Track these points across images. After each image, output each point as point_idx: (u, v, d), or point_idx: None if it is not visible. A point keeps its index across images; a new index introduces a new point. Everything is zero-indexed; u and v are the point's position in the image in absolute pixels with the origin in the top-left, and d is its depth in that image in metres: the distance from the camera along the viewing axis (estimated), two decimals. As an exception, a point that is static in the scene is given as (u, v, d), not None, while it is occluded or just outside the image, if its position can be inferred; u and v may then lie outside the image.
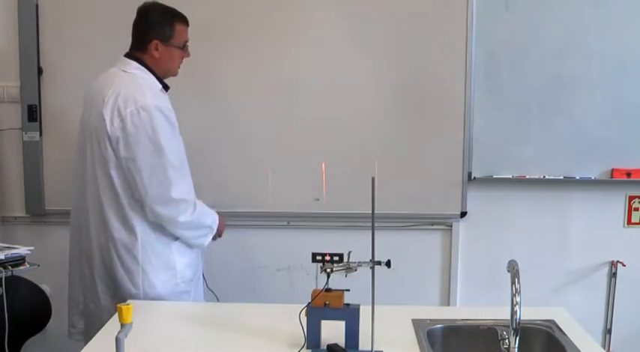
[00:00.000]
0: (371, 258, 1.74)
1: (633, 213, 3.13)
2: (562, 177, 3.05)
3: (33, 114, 3.00)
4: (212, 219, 2.44)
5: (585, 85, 2.97)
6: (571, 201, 3.12)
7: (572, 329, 1.98)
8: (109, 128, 2.23)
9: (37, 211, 3.08)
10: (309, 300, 1.80)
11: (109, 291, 2.34)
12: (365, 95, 2.99)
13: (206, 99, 2.97)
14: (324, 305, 1.78)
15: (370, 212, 1.70)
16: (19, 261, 2.40)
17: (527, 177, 3.05)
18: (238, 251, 2.82)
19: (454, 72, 2.95)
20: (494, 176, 3.05)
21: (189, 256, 2.41)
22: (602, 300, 3.19)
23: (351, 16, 2.95)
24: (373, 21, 2.95)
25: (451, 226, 3.13)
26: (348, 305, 1.80)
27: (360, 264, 1.79)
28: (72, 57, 2.98)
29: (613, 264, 3.16)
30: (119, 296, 2.31)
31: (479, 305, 3.05)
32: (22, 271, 2.42)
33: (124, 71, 2.31)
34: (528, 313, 1.87)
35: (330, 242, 2.96)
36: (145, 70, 2.33)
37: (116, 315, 1.63)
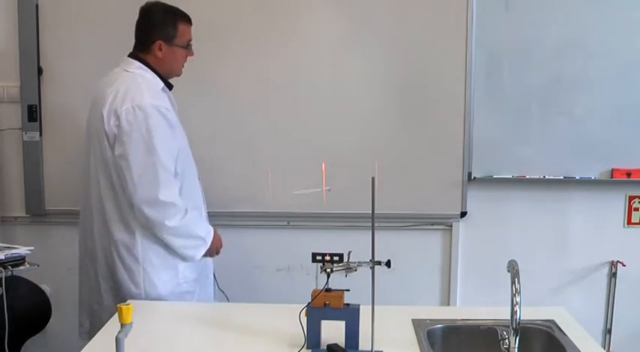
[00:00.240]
0: (371, 258, 1.74)
1: (633, 213, 3.13)
2: (562, 177, 3.05)
3: (33, 114, 3.00)
4: (206, 231, 2.37)
5: (585, 84, 2.97)
6: (571, 201, 3.12)
7: (572, 329, 1.98)
8: (106, 126, 2.24)
9: (37, 211, 3.08)
10: (309, 300, 1.80)
11: (111, 291, 2.35)
12: (365, 95, 2.99)
13: (206, 99, 2.97)
14: (324, 305, 1.78)
15: (370, 212, 1.70)
16: (19, 261, 2.40)
17: (527, 177, 3.05)
18: (238, 251, 2.81)
19: (454, 72, 2.95)
20: (494, 176, 3.05)
21: None
22: (602, 300, 3.19)
23: (351, 16, 2.95)
24: (373, 21, 2.95)
25: (451, 226, 3.13)
26: (348, 305, 1.80)
27: (360, 263, 1.79)
28: (72, 57, 2.98)
29: (613, 264, 3.16)
30: (121, 296, 2.31)
31: (479, 305, 3.04)
32: (22, 271, 2.43)
33: (126, 71, 2.31)
34: (528, 313, 1.87)
35: (330, 242, 2.96)
36: (148, 69, 2.33)
37: (116, 315, 1.63)
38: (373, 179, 1.68)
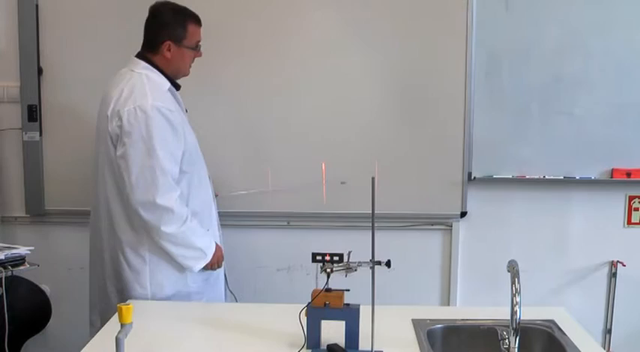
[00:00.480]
0: (371, 258, 1.74)
1: (633, 213, 3.13)
2: (562, 177, 3.05)
3: (33, 114, 3.00)
4: (206, 244, 2.33)
5: (585, 85, 2.97)
6: (571, 201, 3.12)
7: (572, 329, 1.98)
8: (110, 127, 2.23)
9: (37, 211, 3.08)
10: (309, 300, 1.80)
11: (117, 292, 2.35)
12: (365, 95, 2.99)
13: (206, 99, 2.97)
14: (324, 305, 1.79)
15: (370, 212, 1.70)
16: (19, 261, 2.40)
17: (527, 177, 3.05)
18: (238, 251, 2.81)
19: (454, 72, 2.95)
20: (494, 176, 3.05)
21: None
22: (602, 300, 3.19)
23: (351, 16, 2.95)
24: (373, 21, 2.95)
25: (451, 226, 3.13)
26: (348, 305, 1.81)
27: (360, 263, 1.79)
28: (72, 57, 2.98)
29: (613, 264, 3.16)
30: (127, 296, 2.30)
31: (479, 305, 3.05)
32: (22, 271, 2.43)
33: (132, 71, 2.30)
34: (528, 313, 1.87)
35: (330, 242, 2.97)
36: (154, 69, 2.31)
37: (116, 315, 1.63)
38: (373, 179, 1.68)
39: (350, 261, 1.79)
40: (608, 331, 3.20)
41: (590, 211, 3.13)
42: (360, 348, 1.80)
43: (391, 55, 2.97)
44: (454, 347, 2.00)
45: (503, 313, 1.84)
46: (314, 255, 1.78)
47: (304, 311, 1.81)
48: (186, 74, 2.41)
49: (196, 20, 2.37)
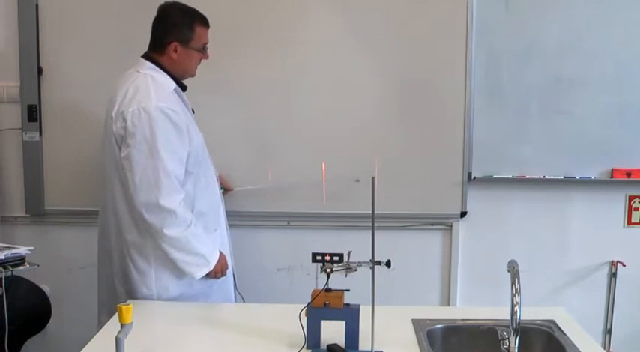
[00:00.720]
0: (371, 258, 1.74)
1: (633, 213, 3.13)
2: (562, 177, 3.05)
3: (33, 114, 3.00)
4: (209, 251, 2.30)
5: (585, 85, 2.97)
6: (571, 201, 3.12)
7: (572, 329, 1.98)
8: (114, 128, 2.23)
9: (37, 211, 3.08)
10: (309, 300, 1.80)
11: (125, 292, 2.34)
12: (365, 95, 2.99)
13: (211, 99, 2.96)
14: (324, 305, 1.79)
15: (370, 212, 1.70)
16: (19, 261, 2.40)
17: (527, 177, 3.05)
18: (238, 251, 2.81)
19: (454, 72, 2.95)
20: (494, 176, 3.05)
21: None
22: (602, 300, 3.19)
23: (351, 16, 2.95)
24: (374, 21, 2.95)
25: (451, 226, 3.13)
26: (348, 305, 1.81)
27: (360, 263, 1.79)
28: (72, 57, 2.98)
29: (613, 264, 3.16)
30: (134, 297, 2.30)
31: (479, 305, 3.05)
32: (22, 271, 2.43)
33: (138, 71, 2.29)
34: (528, 313, 1.87)
35: (330, 242, 2.98)
36: (159, 70, 2.31)
37: (116, 315, 1.63)
38: (373, 179, 1.68)
39: (350, 261, 1.79)
40: (608, 331, 3.19)
41: (590, 211, 3.12)
42: (360, 348, 1.80)
43: (391, 55, 2.96)
44: (454, 347, 2.00)
45: (503, 313, 1.84)
46: (314, 255, 1.78)
47: (304, 311, 1.81)
48: (192, 75, 2.41)
49: (204, 22, 2.35)
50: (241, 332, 1.97)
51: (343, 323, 1.80)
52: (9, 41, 2.99)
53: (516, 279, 1.67)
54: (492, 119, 3.00)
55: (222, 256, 2.37)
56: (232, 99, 2.99)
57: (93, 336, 1.94)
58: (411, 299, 3.07)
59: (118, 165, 2.25)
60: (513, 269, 1.70)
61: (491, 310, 2.08)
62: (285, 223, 3.11)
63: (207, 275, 2.32)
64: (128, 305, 1.60)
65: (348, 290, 1.81)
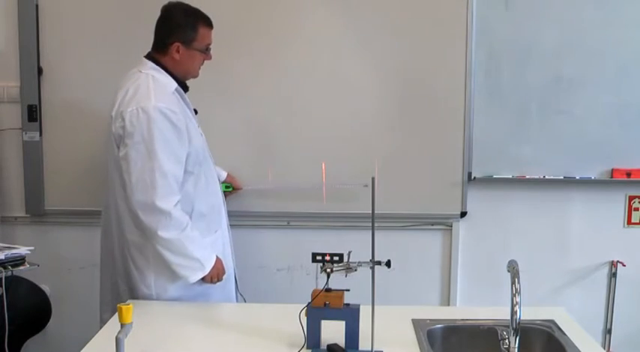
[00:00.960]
0: (371, 258, 1.74)
1: (633, 213, 3.13)
2: (562, 177, 3.05)
3: (33, 114, 3.00)
4: (205, 256, 2.27)
5: (585, 85, 2.97)
6: (571, 201, 3.12)
7: (572, 329, 1.98)
8: (114, 128, 2.23)
9: (37, 211, 3.08)
10: (309, 300, 1.80)
11: (128, 290, 2.35)
12: (365, 95, 2.99)
13: (207, 99, 2.96)
14: (324, 305, 1.79)
15: (370, 212, 1.70)
16: (19, 261, 2.40)
17: (527, 177, 3.05)
18: (238, 251, 2.81)
19: (454, 72, 2.95)
20: (494, 176, 3.05)
21: None
22: (602, 300, 3.19)
23: (352, 16, 2.95)
24: (374, 21, 2.95)
25: (451, 226, 3.13)
26: (348, 305, 1.81)
27: (360, 263, 1.79)
28: (72, 57, 2.98)
29: (613, 264, 3.16)
30: (135, 296, 2.30)
31: (479, 305, 3.05)
32: (22, 271, 2.43)
33: (140, 71, 2.29)
34: (528, 313, 1.87)
35: (330, 242, 2.98)
36: (161, 70, 2.30)
37: (116, 315, 1.63)
38: (373, 179, 1.68)
39: (350, 261, 1.79)
40: (608, 331, 3.19)
41: (590, 211, 3.12)
42: (360, 348, 1.80)
43: (391, 54, 2.96)
44: (454, 347, 2.00)
45: (503, 313, 1.84)
46: (314, 255, 1.78)
47: (304, 311, 1.81)
48: (195, 76, 2.40)
49: (208, 23, 2.34)
50: (241, 332, 1.97)
51: (343, 323, 1.80)
52: (9, 41, 2.99)
53: (516, 279, 1.67)
54: (492, 119, 3.00)
55: (218, 261, 2.34)
56: (233, 99, 2.99)
57: (93, 336, 1.94)
58: (411, 299, 3.07)
59: (118, 165, 2.25)
60: (513, 269, 1.70)
61: (491, 310, 2.08)
62: (285, 223, 3.11)
63: (203, 280, 2.29)
64: (128, 305, 1.60)
65: (348, 290, 1.81)
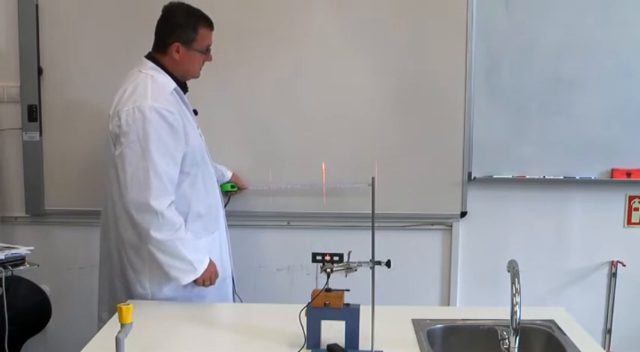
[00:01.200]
0: (371, 258, 1.74)
1: (633, 213, 3.13)
2: (562, 177, 3.05)
3: (33, 114, 3.00)
4: (197, 259, 2.25)
5: (585, 85, 2.97)
6: (571, 201, 3.12)
7: (572, 329, 1.98)
8: (110, 127, 2.24)
9: (37, 211, 3.08)
10: (309, 300, 1.80)
11: (125, 289, 2.35)
12: (365, 95, 2.99)
13: (206, 100, 2.96)
14: (324, 305, 1.79)
15: (370, 212, 1.70)
16: (19, 261, 2.40)
17: (527, 177, 3.05)
18: (238, 251, 2.81)
19: (454, 72, 2.95)
20: (494, 176, 3.05)
21: None
22: (602, 300, 3.19)
23: (352, 16, 2.95)
24: (374, 22, 2.95)
25: (451, 226, 3.13)
26: (348, 305, 1.81)
27: (360, 263, 1.79)
28: (72, 57, 2.98)
29: (613, 264, 3.16)
30: (131, 295, 2.31)
31: (479, 305, 3.05)
32: (22, 271, 2.43)
33: (140, 71, 2.29)
34: (528, 313, 1.87)
35: (330, 242, 2.97)
36: (160, 70, 2.30)
37: (116, 315, 1.63)
38: (373, 179, 1.68)
39: (350, 261, 1.79)
40: (608, 331, 3.19)
41: (590, 211, 3.12)
42: (360, 348, 1.80)
43: (392, 55, 2.96)
44: (454, 347, 2.00)
45: (503, 313, 1.84)
46: (314, 255, 1.78)
47: (304, 311, 1.81)
48: (195, 77, 2.40)
49: (208, 23, 2.34)
50: (241, 332, 1.97)
51: (343, 323, 1.80)
52: (9, 41, 2.99)
53: (516, 279, 1.67)
54: (492, 119, 3.00)
55: (211, 265, 2.32)
56: (233, 100, 2.99)
57: (93, 336, 1.94)
58: (411, 299, 3.07)
59: (115, 165, 2.25)
60: (513, 269, 1.70)
61: (491, 310, 2.08)
62: (285, 223, 3.11)
63: (195, 283, 2.28)
64: (128, 305, 1.60)
65: (348, 290, 1.81)
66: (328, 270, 1.78)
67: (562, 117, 2.99)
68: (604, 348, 3.11)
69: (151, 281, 2.29)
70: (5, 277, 2.32)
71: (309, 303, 1.80)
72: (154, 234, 2.17)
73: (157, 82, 2.26)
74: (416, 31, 2.95)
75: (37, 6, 2.95)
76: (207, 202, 2.39)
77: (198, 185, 2.35)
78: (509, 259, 1.75)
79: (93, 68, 2.94)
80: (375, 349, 1.75)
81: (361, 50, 2.97)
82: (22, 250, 2.42)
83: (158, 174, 2.16)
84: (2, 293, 2.34)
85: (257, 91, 2.99)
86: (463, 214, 3.08)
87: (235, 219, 2.95)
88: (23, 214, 3.11)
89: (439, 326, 2.01)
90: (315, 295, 1.79)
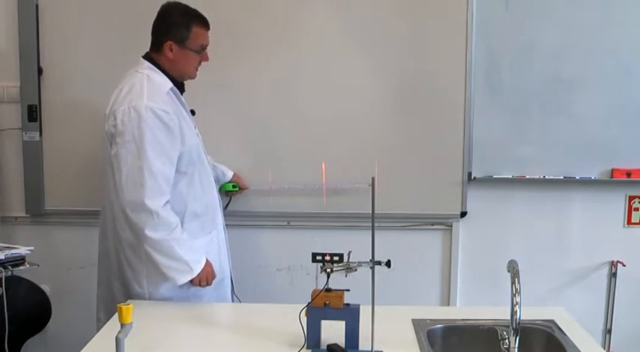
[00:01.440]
0: (371, 258, 1.74)
1: (633, 213, 3.13)
2: (562, 177, 3.05)
3: (33, 114, 3.00)
4: (194, 259, 2.25)
5: (585, 85, 2.97)
6: (571, 201, 3.12)
7: (572, 329, 1.98)
8: (106, 126, 2.25)
9: (37, 211, 3.08)
10: (309, 300, 1.80)
11: (122, 290, 2.35)
12: (365, 95, 2.99)
13: (205, 100, 2.96)
14: (324, 305, 1.79)
15: (370, 212, 1.70)
16: (19, 261, 2.40)
17: (527, 177, 3.05)
18: (238, 251, 2.81)
19: (454, 72, 2.95)
20: (494, 176, 3.05)
21: None
22: (602, 300, 3.19)
23: (352, 16, 2.95)
24: (374, 22, 2.94)
25: (451, 226, 3.13)
26: (348, 305, 1.81)
27: (360, 263, 1.79)
28: (72, 57, 2.98)
29: (613, 264, 3.16)
30: (129, 295, 2.31)
31: (479, 305, 3.05)
32: (22, 271, 2.43)
33: (137, 71, 2.30)
34: (528, 313, 1.87)
35: (330, 242, 2.98)
36: (157, 70, 2.30)
37: (116, 315, 1.63)
38: (373, 179, 1.68)
39: (350, 261, 1.79)
40: (608, 331, 3.19)
41: (590, 211, 3.12)
42: (360, 348, 1.80)
43: (391, 54, 2.96)
44: (454, 347, 2.00)
45: (503, 313, 1.84)
46: (314, 255, 1.78)
47: (304, 311, 1.81)
48: (192, 77, 2.40)
49: (203, 22, 2.34)
50: (241, 332, 1.97)
51: (343, 323, 1.80)
52: (9, 41, 2.99)
53: (516, 279, 1.67)
54: (492, 119, 3.00)
55: (208, 265, 2.32)
56: (232, 100, 2.99)
57: (93, 336, 1.94)
58: (411, 299, 3.07)
59: (112, 164, 2.25)
60: (513, 269, 1.70)
61: (491, 310, 2.08)
62: (285, 223, 3.11)
63: (192, 283, 2.28)
64: (128, 305, 1.60)
65: (348, 290, 1.81)
66: (328, 270, 1.78)
67: (562, 117, 2.99)
68: (604, 348, 3.11)
69: (148, 280, 2.29)
70: (5, 277, 2.32)
71: (309, 303, 1.80)
72: (149, 233, 2.17)
73: (153, 82, 2.26)
74: (416, 31, 2.95)
75: (37, 6, 2.95)
76: (204, 202, 2.39)
77: (195, 185, 2.35)
78: (509, 259, 1.75)
79: (93, 68, 2.94)
80: (375, 349, 1.75)
81: (361, 50, 2.97)
82: (22, 250, 2.42)
83: (153, 173, 2.16)
84: (2, 293, 2.34)
85: (256, 91, 2.99)
86: (463, 214, 3.08)
87: (235, 219, 2.95)
88: (23, 214, 3.11)
89: (439, 326, 2.01)
90: (315, 295, 1.79)
